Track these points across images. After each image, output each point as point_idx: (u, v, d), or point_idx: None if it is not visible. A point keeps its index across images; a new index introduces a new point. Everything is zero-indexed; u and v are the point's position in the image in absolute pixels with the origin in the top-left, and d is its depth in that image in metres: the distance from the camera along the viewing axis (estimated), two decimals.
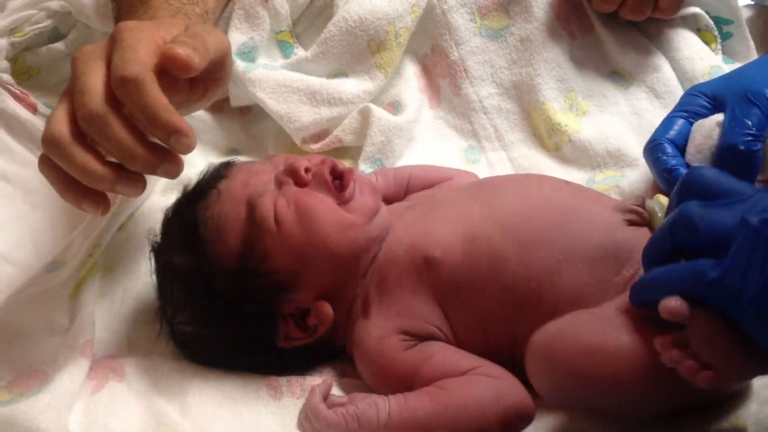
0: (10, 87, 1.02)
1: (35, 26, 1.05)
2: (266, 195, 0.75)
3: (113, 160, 0.69)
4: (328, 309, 0.73)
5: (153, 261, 0.79)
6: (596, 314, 0.67)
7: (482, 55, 1.00)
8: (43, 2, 1.06)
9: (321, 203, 0.75)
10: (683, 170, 0.81)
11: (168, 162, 0.69)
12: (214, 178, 0.79)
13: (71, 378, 0.74)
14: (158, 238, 0.79)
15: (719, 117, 0.82)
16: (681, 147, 0.84)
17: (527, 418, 0.69)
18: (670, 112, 0.87)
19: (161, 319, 0.79)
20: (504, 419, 0.68)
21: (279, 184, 0.76)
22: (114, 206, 0.81)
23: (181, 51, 0.69)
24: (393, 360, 0.72)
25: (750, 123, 0.79)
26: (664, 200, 0.76)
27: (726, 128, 0.80)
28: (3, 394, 0.74)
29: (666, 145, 0.84)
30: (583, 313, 0.68)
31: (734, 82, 0.84)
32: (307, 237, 0.73)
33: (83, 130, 0.69)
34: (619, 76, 1.01)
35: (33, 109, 1.02)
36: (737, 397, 0.66)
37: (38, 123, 1.01)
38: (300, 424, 0.69)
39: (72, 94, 0.70)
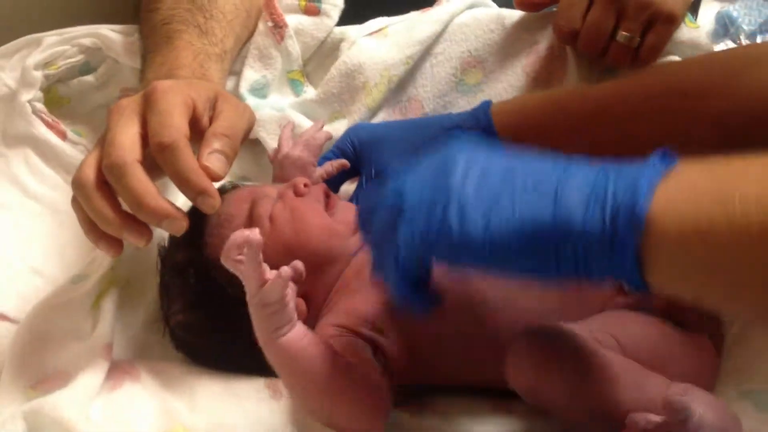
0: (43, 115, 1.09)
1: (68, 60, 1.12)
2: (267, 199, 0.83)
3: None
4: (302, 305, 0.79)
5: (159, 264, 0.86)
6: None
7: (451, 108, 1.05)
8: (76, 39, 1.12)
9: (313, 209, 0.83)
10: None
11: (172, 218, 0.75)
12: (222, 191, 0.86)
13: (92, 376, 0.80)
14: (165, 244, 0.87)
15: None
16: None
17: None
18: None
19: (162, 316, 0.86)
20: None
21: (280, 196, 0.84)
22: None
23: (214, 168, 0.77)
24: None
25: None
26: None
27: None
28: (29, 393, 0.80)
29: None
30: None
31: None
32: (296, 234, 0.81)
33: (105, 177, 0.77)
34: None
35: (63, 136, 1.09)
36: None
37: (67, 149, 1.08)
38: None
39: (103, 143, 0.78)
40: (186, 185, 0.75)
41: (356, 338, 0.76)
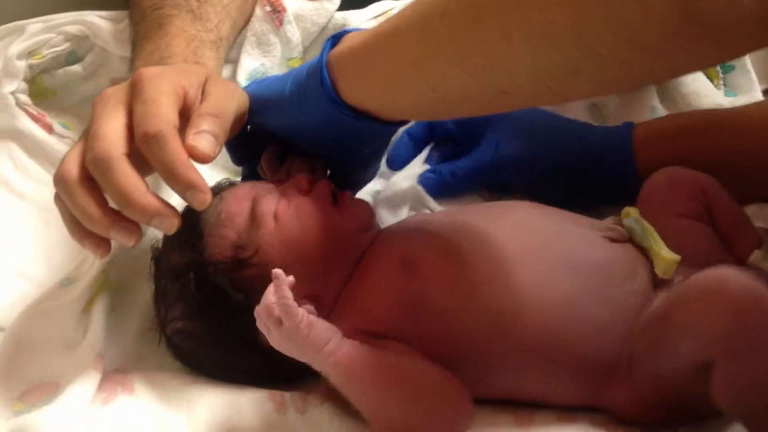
0: (27, 108, 1.05)
1: (53, 49, 1.08)
2: (270, 196, 0.78)
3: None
4: (310, 309, 0.73)
5: (153, 267, 0.81)
6: None
7: None
8: (61, 26, 1.08)
9: (319, 206, 0.78)
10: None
11: (163, 215, 0.70)
12: (218, 188, 0.82)
13: (82, 390, 0.75)
14: (159, 245, 0.82)
15: None
16: None
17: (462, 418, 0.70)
18: None
19: (157, 323, 0.81)
20: (437, 408, 0.69)
21: (283, 193, 0.79)
22: None
23: (201, 148, 0.71)
24: None
25: None
26: (635, 213, 0.78)
27: None
28: (16, 405, 0.75)
29: None
30: None
31: None
32: (302, 233, 0.76)
33: (90, 172, 0.71)
34: (596, 108, 1.03)
35: (49, 129, 1.05)
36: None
37: (54, 143, 1.03)
38: (260, 314, 0.69)
39: (87, 135, 0.73)
40: (173, 178, 0.69)
41: (387, 340, 0.73)
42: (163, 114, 0.71)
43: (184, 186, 0.69)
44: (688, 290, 0.66)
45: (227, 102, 0.77)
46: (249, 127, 0.85)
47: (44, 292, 0.84)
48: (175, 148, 0.69)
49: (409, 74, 0.68)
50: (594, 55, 0.55)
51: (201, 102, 0.76)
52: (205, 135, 0.72)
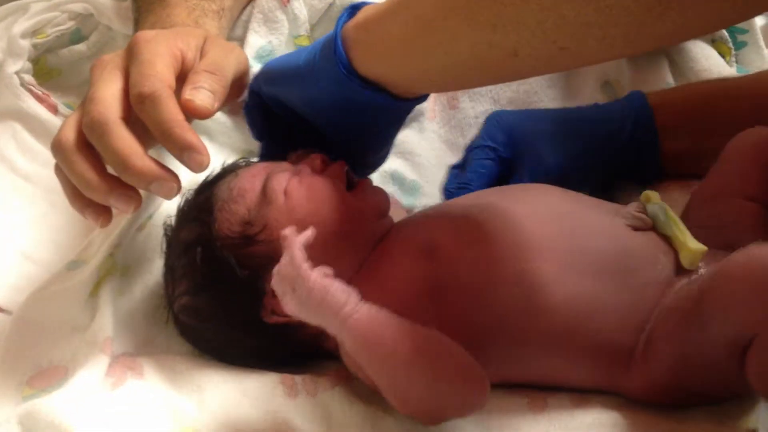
0: (32, 88, 1.04)
1: (57, 28, 1.07)
2: (282, 174, 0.77)
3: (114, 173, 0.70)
4: (326, 271, 0.70)
5: (164, 244, 0.80)
6: None
7: None
8: (65, 5, 1.07)
9: (331, 187, 0.77)
10: None
11: (161, 179, 0.69)
12: (234, 166, 0.82)
13: (91, 374, 0.74)
14: (172, 221, 0.81)
15: None
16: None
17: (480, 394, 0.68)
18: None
19: (165, 301, 0.80)
20: (458, 380, 0.67)
21: (296, 172, 0.78)
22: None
23: (199, 102, 0.70)
24: None
25: None
26: (656, 198, 0.76)
27: None
28: (24, 390, 0.75)
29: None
30: None
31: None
32: (311, 212, 0.74)
33: (87, 137, 0.70)
34: (609, 87, 1.02)
35: (54, 110, 1.04)
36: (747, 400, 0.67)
37: (58, 123, 1.01)
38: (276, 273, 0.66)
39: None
40: (168, 139, 0.68)
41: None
42: (158, 74, 0.70)
43: (179, 147, 0.68)
44: (728, 267, 0.64)
45: (225, 60, 0.76)
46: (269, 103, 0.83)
47: (51, 276, 0.83)
48: (170, 107, 0.68)
49: (421, 37, 0.67)
50: (603, 6, 0.55)
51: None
52: (203, 90, 0.71)
